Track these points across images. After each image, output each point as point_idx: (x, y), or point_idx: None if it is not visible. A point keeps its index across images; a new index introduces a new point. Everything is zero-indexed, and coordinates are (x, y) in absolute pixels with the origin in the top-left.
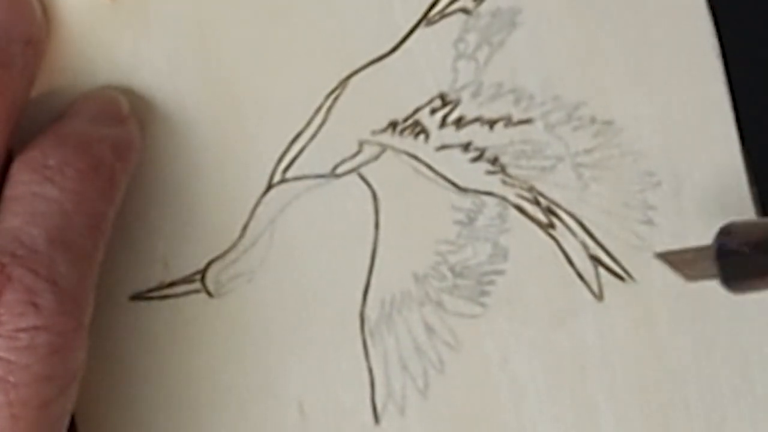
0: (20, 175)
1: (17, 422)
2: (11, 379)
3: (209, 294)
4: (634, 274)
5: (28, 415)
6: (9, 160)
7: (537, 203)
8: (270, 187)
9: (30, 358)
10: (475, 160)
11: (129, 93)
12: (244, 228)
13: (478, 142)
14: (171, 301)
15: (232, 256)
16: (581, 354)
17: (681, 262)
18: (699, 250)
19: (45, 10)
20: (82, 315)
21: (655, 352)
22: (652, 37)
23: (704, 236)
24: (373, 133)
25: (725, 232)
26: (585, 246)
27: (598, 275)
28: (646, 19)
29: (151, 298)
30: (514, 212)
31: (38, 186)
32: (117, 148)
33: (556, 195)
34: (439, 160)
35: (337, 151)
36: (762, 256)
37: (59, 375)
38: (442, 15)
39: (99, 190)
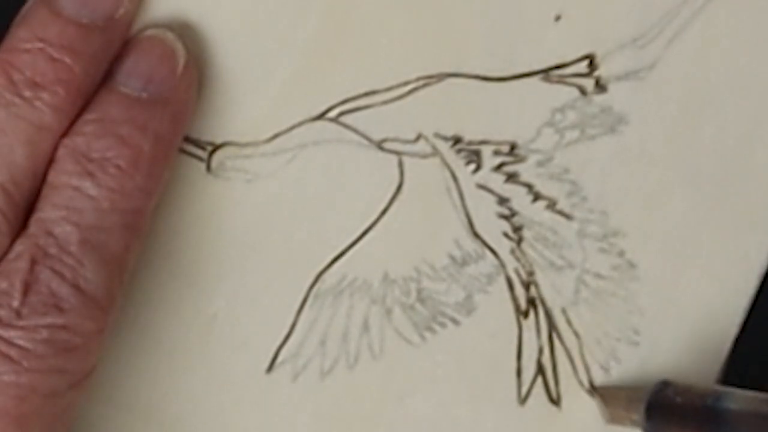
0: (63, 163)
1: (22, 404)
2: (25, 364)
3: (208, 168)
4: (563, 405)
5: (34, 400)
6: None
7: (527, 288)
8: (321, 116)
9: (47, 351)
10: (502, 217)
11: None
12: (275, 137)
13: (515, 205)
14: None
15: (248, 151)
16: None
17: (611, 398)
18: (633, 392)
19: None
20: (103, 318)
21: None
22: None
23: None
24: (436, 135)
25: (664, 384)
26: (541, 351)
27: (532, 384)
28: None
29: None
30: (502, 282)
31: (78, 179)
32: (161, 132)
33: (546, 292)
34: (472, 195)
35: (397, 128)
36: (690, 426)
37: (71, 370)
38: (560, 79)
39: (138, 187)
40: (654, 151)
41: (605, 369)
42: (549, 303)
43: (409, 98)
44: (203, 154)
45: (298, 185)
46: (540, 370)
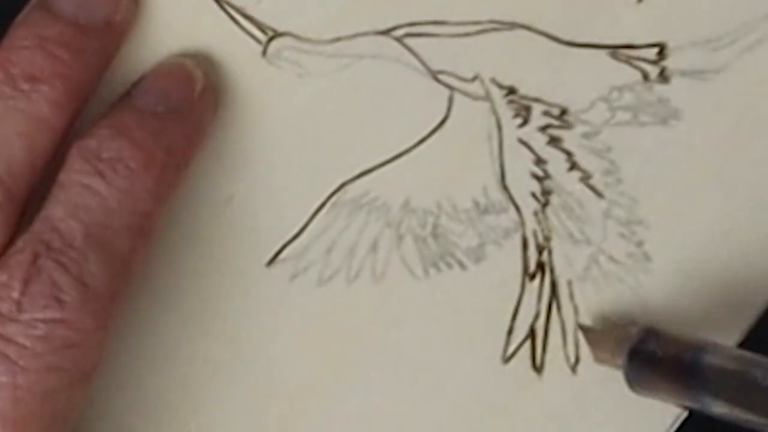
0: (73, 162)
1: (18, 405)
2: (21, 363)
3: (264, 52)
4: (544, 375)
5: (31, 401)
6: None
7: (540, 252)
8: (386, 32)
9: (44, 348)
10: (535, 177)
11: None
12: (337, 40)
13: (550, 169)
14: (231, 27)
15: (308, 46)
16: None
17: (597, 341)
18: (618, 338)
19: None
20: (105, 316)
21: None
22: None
23: None
24: (492, 80)
25: (647, 332)
26: (537, 316)
27: (520, 346)
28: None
29: (224, 9)
30: (517, 239)
31: (88, 177)
32: (175, 145)
33: (558, 262)
34: (511, 148)
35: (456, 64)
36: (669, 376)
37: (69, 369)
38: (627, 59)
39: (148, 190)
40: (699, 153)
41: None
42: (557, 272)
43: (476, 38)
44: (262, 38)
45: (346, 93)
46: (531, 334)
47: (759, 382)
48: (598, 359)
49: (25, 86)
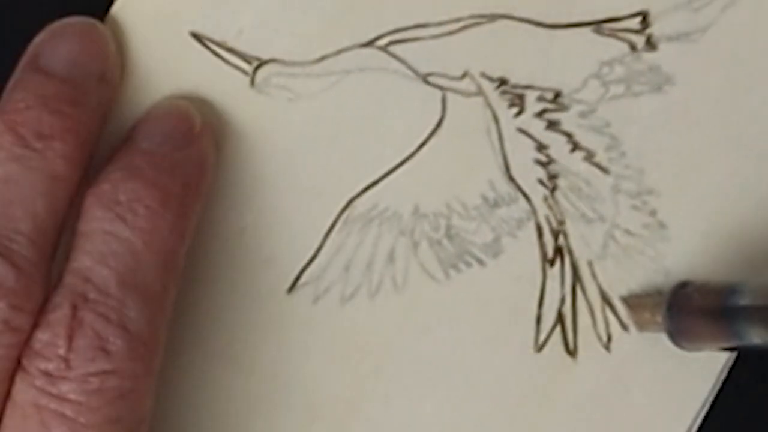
0: (92, 211)
1: None
2: (81, 420)
3: (252, 82)
4: (579, 357)
5: None
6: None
7: (555, 237)
8: (370, 43)
9: (100, 401)
10: (539, 163)
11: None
12: (323, 59)
13: (553, 153)
14: (216, 63)
15: (294, 70)
16: (481, 387)
17: (637, 306)
18: (656, 297)
19: (119, 47)
20: (152, 358)
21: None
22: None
23: None
24: (482, 74)
25: (683, 285)
26: (563, 301)
27: (550, 333)
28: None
29: (206, 46)
30: (531, 228)
31: (109, 224)
32: (187, 178)
33: (575, 243)
34: (512, 138)
35: (444, 64)
36: (708, 322)
37: (127, 418)
38: (612, 33)
39: (170, 227)
40: (697, 114)
41: (624, 325)
42: (576, 254)
43: (460, 35)
44: (248, 68)
45: (340, 110)
46: (560, 319)
47: None
48: (639, 323)
49: (38, 145)
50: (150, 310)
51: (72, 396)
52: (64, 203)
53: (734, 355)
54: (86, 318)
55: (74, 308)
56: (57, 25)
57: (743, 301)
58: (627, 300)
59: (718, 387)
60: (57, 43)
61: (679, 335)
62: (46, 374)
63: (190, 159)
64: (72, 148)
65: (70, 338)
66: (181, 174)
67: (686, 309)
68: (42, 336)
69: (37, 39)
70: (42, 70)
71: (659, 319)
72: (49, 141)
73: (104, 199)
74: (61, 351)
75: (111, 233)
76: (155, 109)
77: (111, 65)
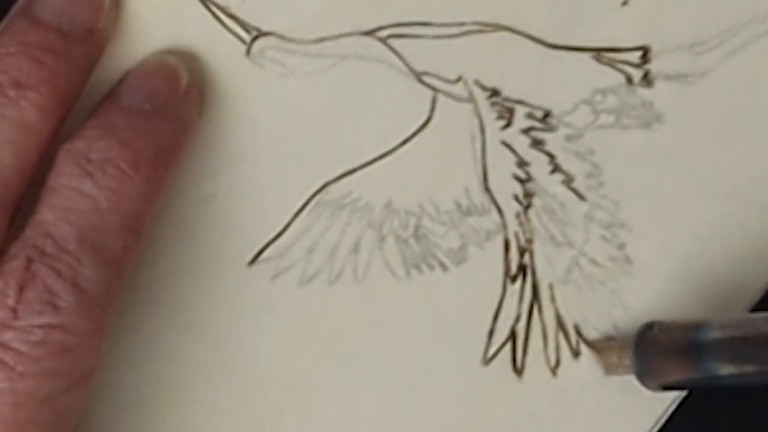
0: (62, 166)
1: (18, 411)
2: (19, 369)
3: (248, 51)
4: (524, 377)
5: (30, 406)
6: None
7: (521, 254)
8: (371, 33)
9: (41, 353)
10: (517, 179)
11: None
12: (321, 40)
13: (533, 171)
14: (215, 26)
15: (291, 46)
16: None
17: (603, 349)
18: (623, 340)
19: (115, 1)
20: (101, 318)
21: None
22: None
23: None
24: (476, 82)
25: (648, 326)
26: (518, 318)
27: (500, 348)
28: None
29: (208, 8)
30: (499, 241)
31: (77, 180)
32: (163, 142)
33: (539, 264)
34: (494, 150)
35: (440, 66)
36: (676, 361)
37: (67, 373)
38: (611, 62)
39: (138, 190)
40: (682, 157)
41: (575, 353)
42: (539, 275)
43: (460, 39)
44: (247, 37)
45: (330, 93)
46: (512, 336)
47: (762, 332)
48: (607, 366)
49: (13, 93)
50: (106, 270)
51: (14, 345)
52: (33, 154)
53: (681, 395)
54: (39, 271)
55: (29, 260)
56: None
57: (710, 335)
58: (593, 344)
59: (659, 426)
60: None
61: (647, 375)
62: None
63: (169, 122)
64: (47, 99)
65: (21, 289)
66: (157, 138)
67: (654, 349)
68: None
69: None
70: (31, 16)
71: (627, 361)
72: (25, 90)
73: (76, 155)
74: (10, 301)
75: (77, 190)
76: (142, 65)
77: (103, 19)
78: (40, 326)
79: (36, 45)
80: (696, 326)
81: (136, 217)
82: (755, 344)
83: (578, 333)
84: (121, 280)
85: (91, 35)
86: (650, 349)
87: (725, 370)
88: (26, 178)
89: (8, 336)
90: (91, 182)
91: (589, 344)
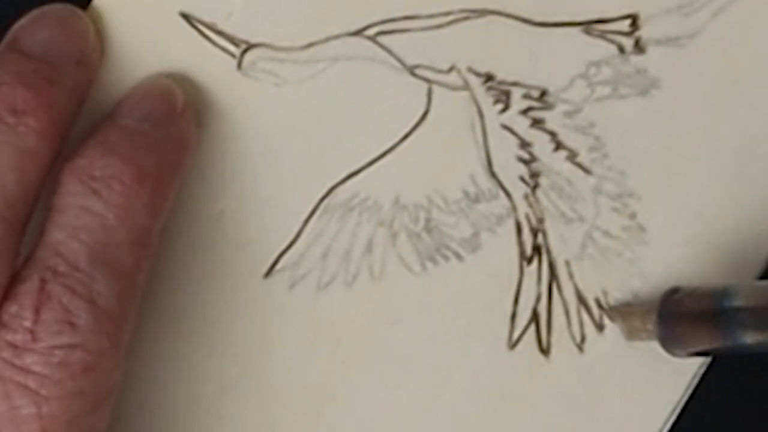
0: (67, 185)
1: None
2: (44, 392)
3: (239, 65)
4: (552, 356)
5: (58, 428)
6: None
7: (534, 235)
8: (358, 32)
9: (63, 374)
10: (521, 160)
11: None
12: (310, 45)
13: (536, 151)
14: (204, 44)
15: (282, 55)
16: (451, 380)
17: (627, 314)
18: (646, 304)
19: (99, 33)
20: (119, 334)
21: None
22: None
23: None
24: (469, 69)
25: (673, 291)
26: (538, 299)
27: (524, 331)
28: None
29: (195, 27)
30: (511, 224)
31: (83, 198)
32: (165, 156)
33: (553, 242)
34: (495, 134)
35: (432, 57)
36: (701, 327)
37: (91, 392)
38: (601, 34)
39: (144, 204)
40: (682, 119)
41: (599, 326)
42: (554, 253)
43: (449, 29)
44: (236, 51)
45: (325, 97)
46: (535, 317)
47: None
48: (629, 331)
49: (11, 120)
50: (119, 285)
51: (36, 368)
52: (36, 178)
53: (707, 361)
54: (54, 291)
55: (43, 281)
56: (37, 11)
57: (736, 302)
58: (616, 308)
59: (689, 392)
60: (36, 27)
61: (670, 342)
62: (12, 346)
63: (169, 137)
64: (45, 124)
65: (37, 311)
66: (159, 152)
67: (677, 314)
68: (10, 308)
69: (18, 24)
70: (19, 50)
71: (650, 326)
72: (22, 116)
73: (79, 173)
74: (28, 323)
75: (84, 208)
76: (138, 87)
77: (89, 50)
78: (60, 347)
79: (29, 74)
80: (721, 293)
81: (145, 232)
82: None
83: (600, 306)
84: (135, 294)
85: (79, 66)
86: (674, 315)
87: (750, 337)
88: (31, 202)
89: (29, 360)
90: (97, 199)
91: (612, 309)
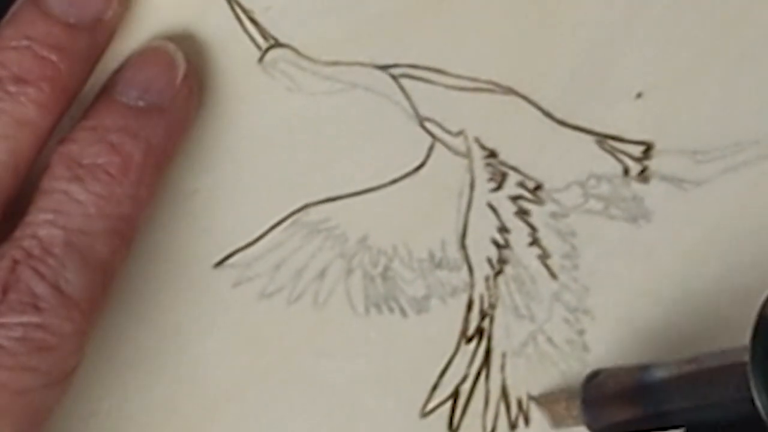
0: (55, 169)
1: None
2: None
3: (261, 59)
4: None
5: (4, 397)
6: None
7: (482, 318)
8: (385, 68)
9: (20, 348)
10: (495, 243)
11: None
12: (335, 63)
13: (512, 239)
14: (235, 26)
15: (305, 63)
16: None
17: (550, 403)
18: (569, 390)
19: None
20: (83, 321)
21: None
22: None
23: None
24: (476, 140)
25: (594, 374)
26: (464, 379)
27: (440, 404)
28: None
29: (232, 8)
30: (463, 300)
31: (67, 184)
32: (156, 143)
33: (497, 331)
34: (478, 209)
35: (445, 116)
36: (625, 404)
37: (45, 370)
38: (612, 150)
39: (128, 195)
40: (660, 258)
41: (512, 425)
42: (494, 341)
43: (471, 94)
44: (263, 44)
45: (331, 117)
46: (454, 395)
47: (709, 366)
48: (554, 419)
49: (12, 88)
50: (90, 274)
51: None
52: (29, 148)
53: None
54: (23, 274)
55: (15, 262)
56: None
57: (657, 375)
58: (539, 398)
59: None
60: None
61: (597, 424)
62: None
63: (162, 120)
64: (47, 96)
65: (5, 290)
66: (148, 138)
67: (602, 397)
68: None
69: None
70: (40, 6)
71: (575, 412)
72: (25, 86)
73: (68, 159)
74: None
75: (67, 193)
76: (140, 53)
77: (114, 6)
78: (20, 324)
79: (40, 40)
80: (642, 368)
81: (124, 222)
82: (702, 379)
83: (519, 407)
84: (108, 283)
85: (99, 25)
86: (598, 397)
87: (675, 405)
88: (21, 175)
89: None
90: (80, 187)
91: (536, 399)
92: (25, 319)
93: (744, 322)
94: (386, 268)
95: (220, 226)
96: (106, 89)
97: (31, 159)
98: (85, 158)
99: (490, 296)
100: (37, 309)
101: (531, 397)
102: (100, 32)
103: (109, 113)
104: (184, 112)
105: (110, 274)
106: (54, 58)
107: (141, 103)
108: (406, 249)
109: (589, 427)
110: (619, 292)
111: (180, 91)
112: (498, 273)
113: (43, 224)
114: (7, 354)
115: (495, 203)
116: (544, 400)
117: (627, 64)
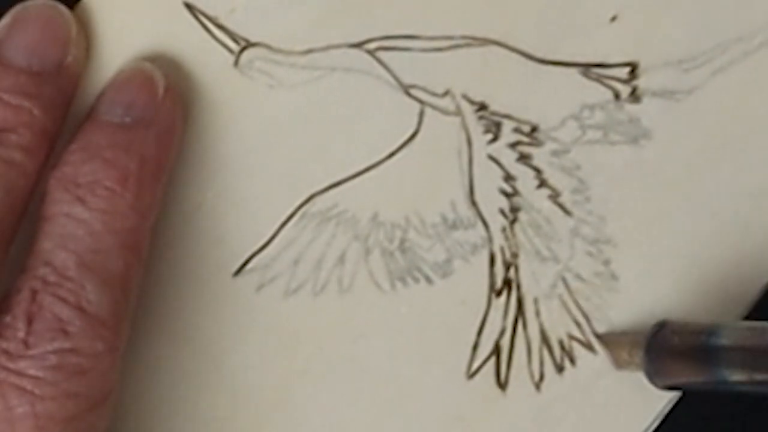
0: (53, 194)
1: None
2: (38, 392)
3: (236, 62)
4: (508, 391)
5: (53, 427)
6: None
7: (507, 268)
8: (359, 45)
9: (58, 376)
10: (504, 193)
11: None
12: (310, 51)
13: (519, 186)
14: (203, 36)
15: (280, 57)
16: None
17: (614, 345)
18: (634, 336)
19: (83, 28)
20: (113, 337)
21: None
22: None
23: None
24: (464, 96)
25: (661, 325)
26: (502, 333)
27: (484, 362)
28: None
29: (197, 19)
30: (485, 255)
31: (68, 206)
32: (147, 155)
33: (524, 279)
34: (481, 164)
35: (428, 79)
36: (688, 366)
37: (86, 394)
38: (599, 78)
39: (130, 206)
40: (668, 173)
41: (559, 368)
42: (524, 289)
43: (449, 53)
44: (235, 48)
45: (317, 105)
46: (496, 350)
47: None
48: (616, 361)
49: None
50: (110, 290)
51: (31, 371)
52: (21, 188)
53: (662, 407)
54: (45, 301)
55: (34, 292)
56: (18, 9)
57: (723, 341)
58: (604, 338)
59: None
60: (16, 31)
61: (656, 375)
62: (6, 353)
63: (150, 132)
64: (29, 140)
65: (30, 321)
66: (140, 150)
67: (664, 349)
68: (4, 318)
69: None
70: (2, 60)
71: (637, 359)
72: (6, 134)
73: (64, 181)
74: (21, 334)
75: (70, 216)
76: (119, 75)
77: (72, 50)
78: (53, 352)
79: (9, 90)
80: (708, 331)
81: (132, 233)
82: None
83: (562, 348)
84: (129, 297)
85: (62, 70)
86: (662, 350)
87: (736, 376)
88: (18, 213)
89: (23, 364)
90: (82, 206)
91: (601, 338)
92: (56, 345)
93: (763, 219)
94: (403, 241)
95: (232, 234)
96: (91, 114)
97: (25, 197)
98: (81, 177)
99: (510, 246)
100: (66, 333)
101: (596, 335)
102: (64, 76)
103: (97, 132)
104: (170, 122)
105: (129, 289)
106: (26, 104)
107: (127, 120)
108: (418, 217)
109: (648, 376)
110: (635, 215)
111: (163, 103)
112: (513, 221)
113: (53, 250)
114: (47, 384)
115: (495, 154)
116: (609, 341)
117: None
